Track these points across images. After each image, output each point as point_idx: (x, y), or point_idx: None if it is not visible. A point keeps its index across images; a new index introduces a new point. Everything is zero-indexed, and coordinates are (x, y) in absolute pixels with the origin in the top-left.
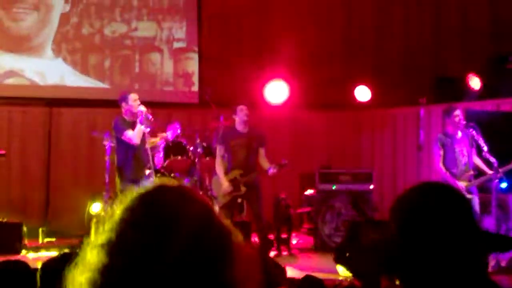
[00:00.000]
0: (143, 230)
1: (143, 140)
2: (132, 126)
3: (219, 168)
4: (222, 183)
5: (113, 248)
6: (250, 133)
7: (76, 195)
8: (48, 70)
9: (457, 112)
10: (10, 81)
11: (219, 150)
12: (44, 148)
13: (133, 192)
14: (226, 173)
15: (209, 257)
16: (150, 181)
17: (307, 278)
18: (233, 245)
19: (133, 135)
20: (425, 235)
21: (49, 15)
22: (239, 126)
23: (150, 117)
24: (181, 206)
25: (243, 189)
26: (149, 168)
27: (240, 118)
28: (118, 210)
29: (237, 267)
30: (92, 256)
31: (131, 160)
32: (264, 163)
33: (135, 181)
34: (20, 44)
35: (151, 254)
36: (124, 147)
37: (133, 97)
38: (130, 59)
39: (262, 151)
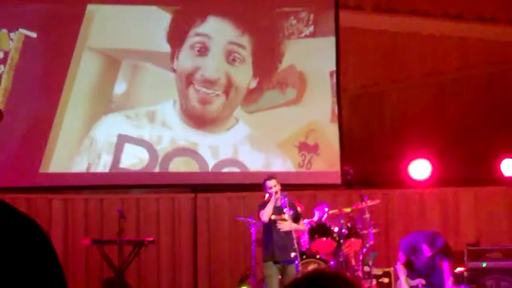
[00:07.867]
0: None
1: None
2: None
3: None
4: None
5: None
6: None
7: (223, 278)
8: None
9: None
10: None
11: (403, 271)
12: (190, 233)
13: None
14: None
15: None
16: (296, 264)
17: None
18: None
19: (262, 212)
20: None
21: (236, 97)
22: None
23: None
24: None
25: None
26: (294, 251)
27: None
28: None
29: None
30: None
31: (269, 241)
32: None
33: (276, 262)
34: (200, 123)
35: None
36: (264, 227)
37: (268, 184)
38: None
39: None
